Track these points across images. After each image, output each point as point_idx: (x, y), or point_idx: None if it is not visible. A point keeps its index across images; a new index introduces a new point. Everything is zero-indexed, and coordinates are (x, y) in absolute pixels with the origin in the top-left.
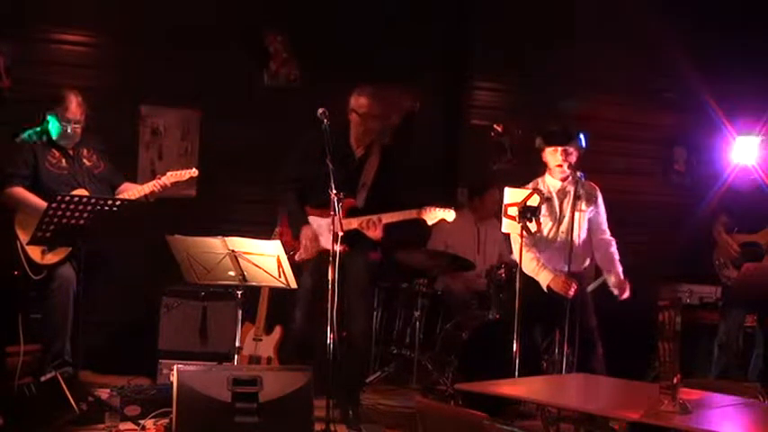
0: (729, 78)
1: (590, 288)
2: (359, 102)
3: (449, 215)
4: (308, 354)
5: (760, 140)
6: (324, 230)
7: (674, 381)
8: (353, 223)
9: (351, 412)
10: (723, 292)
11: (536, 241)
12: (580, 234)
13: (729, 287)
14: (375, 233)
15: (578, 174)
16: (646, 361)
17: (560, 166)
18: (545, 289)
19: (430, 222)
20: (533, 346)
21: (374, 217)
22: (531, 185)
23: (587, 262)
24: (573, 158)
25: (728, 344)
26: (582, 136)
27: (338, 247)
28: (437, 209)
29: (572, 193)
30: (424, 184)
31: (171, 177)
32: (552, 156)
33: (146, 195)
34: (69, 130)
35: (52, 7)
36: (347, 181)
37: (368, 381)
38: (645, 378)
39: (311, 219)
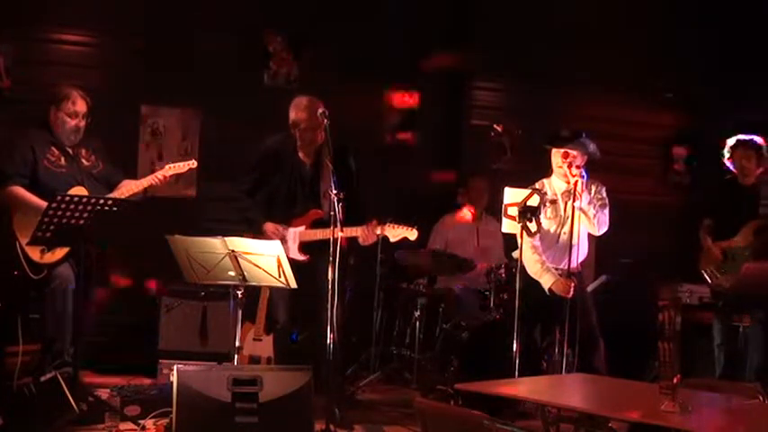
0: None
1: (590, 288)
2: (296, 115)
3: (411, 234)
4: (296, 353)
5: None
6: (288, 240)
7: (674, 381)
8: (318, 234)
9: (337, 411)
10: (714, 296)
11: (540, 240)
12: (579, 232)
13: (721, 292)
14: (370, 240)
15: (582, 173)
16: (646, 361)
17: (561, 167)
18: (547, 292)
19: (392, 239)
20: (533, 345)
21: (374, 226)
22: (536, 186)
23: (584, 257)
24: (577, 162)
25: (728, 344)
26: (587, 141)
27: (303, 257)
28: (398, 227)
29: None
30: (423, 184)
31: (170, 170)
32: (555, 158)
33: (145, 189)
34: (75, 124)
35: (52, 7)
36: (308, 193)
37: (364, 383)
38: (645, 378)
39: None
